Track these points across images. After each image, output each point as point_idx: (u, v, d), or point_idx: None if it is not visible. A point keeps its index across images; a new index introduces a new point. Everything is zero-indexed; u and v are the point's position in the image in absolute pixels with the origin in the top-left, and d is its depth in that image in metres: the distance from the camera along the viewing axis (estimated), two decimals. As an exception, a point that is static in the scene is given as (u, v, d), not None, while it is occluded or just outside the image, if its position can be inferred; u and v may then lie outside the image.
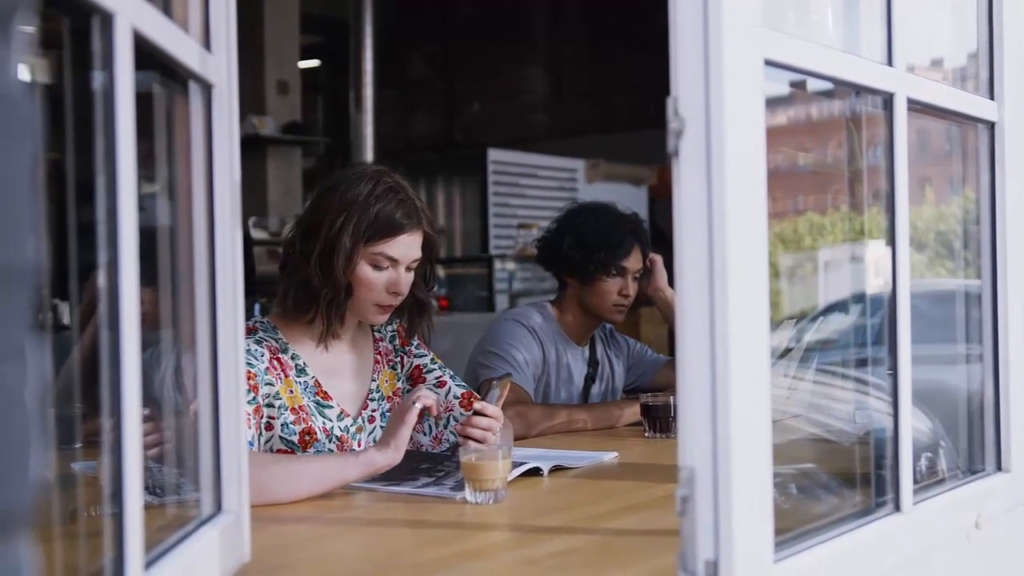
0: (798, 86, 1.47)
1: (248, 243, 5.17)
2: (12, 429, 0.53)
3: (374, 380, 2.33)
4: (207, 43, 1.33)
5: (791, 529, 1.32)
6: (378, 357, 2.36)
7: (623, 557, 1.55)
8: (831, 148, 1.97)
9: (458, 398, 2.34)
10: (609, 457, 2.33)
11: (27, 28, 0.61)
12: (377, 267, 2.18)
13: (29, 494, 0.56)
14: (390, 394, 2.35)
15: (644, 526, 1.73)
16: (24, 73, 0.60)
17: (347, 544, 1.67)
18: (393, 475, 2.03)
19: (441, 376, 2.37)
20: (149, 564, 1.07)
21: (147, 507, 1.05)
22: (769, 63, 1.23)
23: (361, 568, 1.56)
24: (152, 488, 1.28)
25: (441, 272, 7.71)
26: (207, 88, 1.33)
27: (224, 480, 1.37)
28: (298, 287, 2.19)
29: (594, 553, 1.57)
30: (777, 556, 1.23)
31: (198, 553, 1.23)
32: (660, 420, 2.62)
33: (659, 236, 4.89)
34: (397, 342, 2.40)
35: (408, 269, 2.22)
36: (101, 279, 0.97)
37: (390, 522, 1.76)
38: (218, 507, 1.36)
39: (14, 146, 0.56)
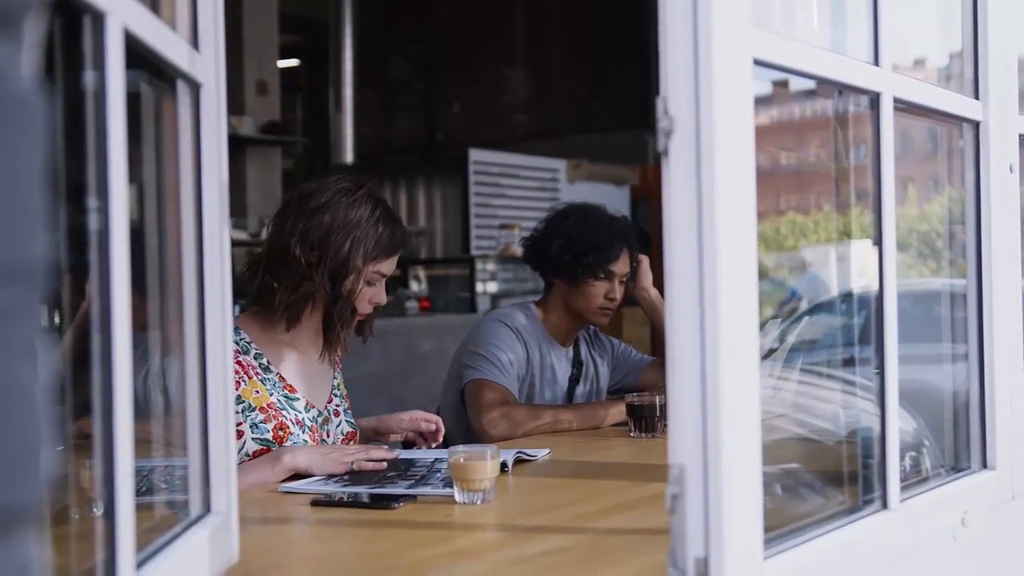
0: (780, 85, 1.47)
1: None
2: (25, 426, 0.53)
3: (335, 378, 2.41)
4: (195, 42, 1.33)
5: (780, 527, 1.33)
6: (337, 358, 2.43)
7: (613, 555, 1.55)
8: (813, 147, 1.98)
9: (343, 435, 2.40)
10: (542, 455, 2.33)
11: (37, 28, 0.61)
12: (371, 284, 2.26)
13: (39, 491, 0.55)
14: (345, 393, 2.43)
15: (632, 525, 1.73)
16: (34, 73, 0.60)
17: (335, 545, 1.67)
18: (379, 479, 2.03)
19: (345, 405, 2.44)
20: (140, 565, 1.07)
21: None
22: (758, 63, 1.24)
23: (350, 568, 1.55)
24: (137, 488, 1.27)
25: (422, 273, 7.71)
26: (195, 87, 1.32)
27: (213, 481, 1.36)
28: (304, 300, 2.22)
29: (584, 552, 1.57)
30: (767, 553, 1.24)
31: (188, 554, 1.23)
32: (645, 420, 2.62)
33: (642, 237, 4.89)
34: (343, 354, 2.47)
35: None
36: (93, 281, 0.97)
37: (378, 522, 1.76)
38: (207, 508, 1.35)
39: (26, 146, 0.56)
